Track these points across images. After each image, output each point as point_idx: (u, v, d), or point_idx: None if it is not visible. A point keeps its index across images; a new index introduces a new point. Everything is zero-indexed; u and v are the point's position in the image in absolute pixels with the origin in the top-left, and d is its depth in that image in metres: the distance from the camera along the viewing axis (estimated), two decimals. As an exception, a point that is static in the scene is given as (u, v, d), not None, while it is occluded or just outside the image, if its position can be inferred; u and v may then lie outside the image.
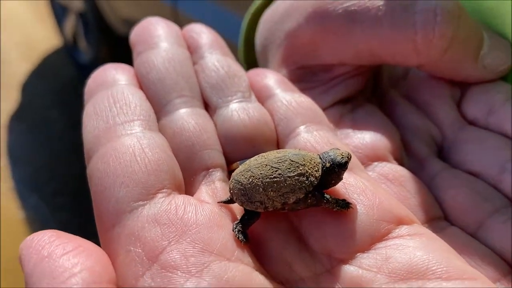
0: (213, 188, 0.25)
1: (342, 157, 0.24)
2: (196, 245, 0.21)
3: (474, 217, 0.26)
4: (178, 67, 0.29)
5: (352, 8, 0.29)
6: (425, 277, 0.20)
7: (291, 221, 0.25)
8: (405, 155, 0.30)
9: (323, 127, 0.28)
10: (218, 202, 0.25)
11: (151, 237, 0.21)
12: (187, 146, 0.26)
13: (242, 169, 0.24)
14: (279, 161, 0.24)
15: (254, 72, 0.31)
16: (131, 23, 1.78)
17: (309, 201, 0.24)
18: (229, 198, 0.25)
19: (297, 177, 0.23)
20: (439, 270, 0.20)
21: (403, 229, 0.23)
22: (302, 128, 0.28)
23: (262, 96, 0.30)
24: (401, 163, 0.30)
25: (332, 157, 0.24)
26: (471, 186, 0.27)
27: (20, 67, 2.43)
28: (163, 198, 0.23)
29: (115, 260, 0.21)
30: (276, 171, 0.24)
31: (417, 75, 0.34)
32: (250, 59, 0.43)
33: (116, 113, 0.26)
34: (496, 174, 0.27)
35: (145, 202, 0.22)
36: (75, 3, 2.14)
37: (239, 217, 0.24)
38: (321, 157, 0.25)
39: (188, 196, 0.24)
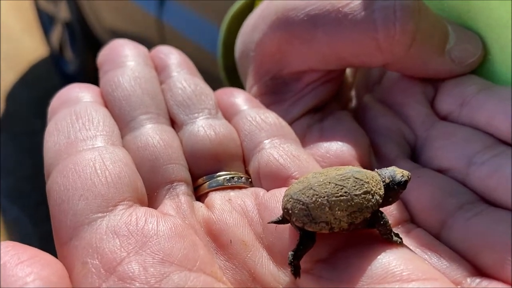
0: (177, 202, 0.25)
1: (402, 176, 0.24)
2: (156, 255, 0.21)
3: (436, 217, 0.26)
4: (144, 85, 0.29)
5: (314, 12, 0.30)
6: (385, 280, 0.20)
7: (255, 231, 0.25)
8: (374, 159, 0.30)
9: (287, 140, 0.28)
10: (268, 223, 0.24)
11: (109, 248, 0.21)
12: (151, 160, 0.26)
13: (301, 187, 0.23)
14: (343, 178, 0.23)
15: (221, 91, 0.32)
16: (116, 34, 1.77)
17: (370, 220, 0.23)
18: (280, 218, 0.24)
19: (363, 195, 0.22)
20: (398, 272, 0.20)
21: (363, 235, 0.23)
22: (266, 142, 0.28)
23: (229, 114, 0.31)
24: (370, 168, 0.29)
25: (391, 174, 0.24)
26: (436, 184, 0.27)
27: (6, 77, 2.41)
28: (124, 210, 0.23)
29: (71, 272, 0.21)
30: (341, 189, 0.22)
31: (391, 77, 0.34)
32: (229, 67, 0.43)
33: (78, 129, 0.26)
34: (463, 168, 0.27)
35: (105, 214, 0.22)
36: (62, 13, 2.13)
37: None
38: (379, 174, 0.24)
39: (150, 208, 0.24)
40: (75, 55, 2.12)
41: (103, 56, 0.31)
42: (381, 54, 0.29)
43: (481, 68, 0.31)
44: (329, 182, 0.23)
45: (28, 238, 1.58)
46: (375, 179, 0.23)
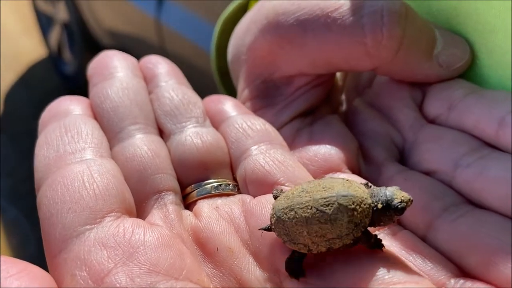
0: (165, 211, 0.26)
1: (400, 202, 0.22)
2: (143, 266, 0.21)
3: (423, 218, 0.26)
4: (132, 96, 0.30)
5: (303, 17, 0.30)
6: (369, 285, 0.21)
7: (242, 237, 0.25)
8: (362, 163, 0.31)
9: (274, 146, 0.29)
10: (259, 229, 0.24)
11: (97, 260, 0.21)
12: (139, 170, 0.27)
13: (285, 206, 0.23)
14: (326, 203, 0.22)
15: (209, 98, 0.33)
16: (115, 34, 1.78)
17: (352, 244, 0.22)
18: (268, 226, 0.24)
19: (345, 224, 0.21)
20: (381, 275, 0.21)
21: None
22: (253, 149, 0.28)
23: (216, 121, 0.31)
24: (357, 171, 0.30)
25: (388, 198, 0.22)
26: (422, 186, 0.27)
27: (4, 77, 2.41)
28: (111, 222, 0.23)
29: (61, 285, 0.22)
30: (322, 216, 0.22)
31: (380, 81, 0.34)
32: (222, 69, 0.43)
33: (67, 142, 0.26)
34: (450, 170, 0.27)
35: (93, 226, 0.23)
36: (60, 14, 2.13)
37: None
38: (375, 194, 0.23)
39: (138, 219, 0.24)
40: (73, 56, 2.12)
41: (92, 68, 0.32)
42: (369, 59, 0.29)
43: (469, 72, 0.31)
44: (312, 207, 0.22)
45: (26, 240, 1.58)
46: (364, 203, 0.22)
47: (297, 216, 0.22)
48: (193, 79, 0.34)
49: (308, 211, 0.22)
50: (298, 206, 0.22)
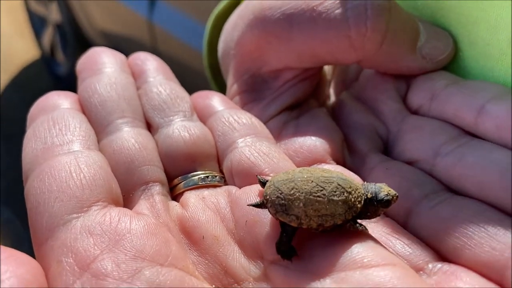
0: (152, 202, 0.26)
1: (386, 195, 0.24)
2: (128, 252, 0.22)
3: (403, 205, 0.26)
4: (120, 90, 0.30)
5: (289, 11, 0.30)
6: (347, 268, 0.21)
7: (227, 227, 0.25)
8: (347, 154, 0.31)
9: (260, 139, 0.29)
10: (248, 205, 0.25)
11: (83, 247, 0.22)
12: (126, 162, 0.27)
13: (285, 178, 0.24)
14: (326, 181, 0.23)
15: (197, 94, 0.33)
16: (107, 35, 1.78)
17: (340, 225, 0.23)
18: (259, 202, 0.24)
19: (340, 203, 0.23)
20: (359, 259, 0.21)
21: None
22: (239, 141, 0.29)
23: (204, 116, 0.31)
24: (342, 162, 0.30)
25: (376, 190, 0.24)
26: (403, 175, 0.28)
27: (-3, 79, 2.41)
28: (98, 211, 0.23)
29: (47, 272, 0.22)
30: (321, 190, 0.23)
31: (366, 74, 0.35)
32: (214, 66, 0.43)
33: (55, 134, 0.27)
34: (430, 159, 0.28)
35: (79, 214, 0.23)
36: (53, 15, 2.13)
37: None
38: (365, 187, 0.24)
39: (124, 208, 0.25)
40: (66, 56, 2.12)
41: (81, 64, 0.32)
42: (354, 52, 0.30)
43: (452, 64, 0.32)
44: (312, 181, 0.23)
45: (19, 240, 1.57)
46: (359, 191, 0.24)
47: (297, 187, 0.23)
48: (185, 79, 0.34)
49: (309, 184, 0.23)
50: (299, 179, 0.23)
